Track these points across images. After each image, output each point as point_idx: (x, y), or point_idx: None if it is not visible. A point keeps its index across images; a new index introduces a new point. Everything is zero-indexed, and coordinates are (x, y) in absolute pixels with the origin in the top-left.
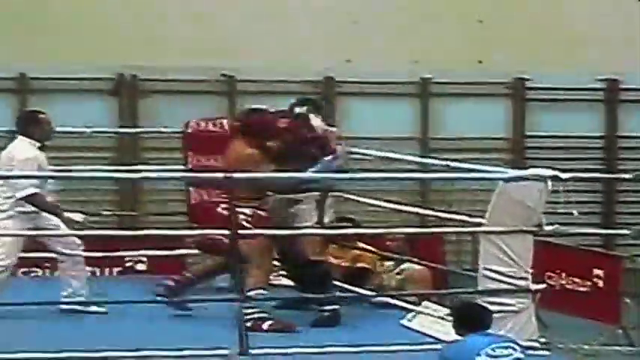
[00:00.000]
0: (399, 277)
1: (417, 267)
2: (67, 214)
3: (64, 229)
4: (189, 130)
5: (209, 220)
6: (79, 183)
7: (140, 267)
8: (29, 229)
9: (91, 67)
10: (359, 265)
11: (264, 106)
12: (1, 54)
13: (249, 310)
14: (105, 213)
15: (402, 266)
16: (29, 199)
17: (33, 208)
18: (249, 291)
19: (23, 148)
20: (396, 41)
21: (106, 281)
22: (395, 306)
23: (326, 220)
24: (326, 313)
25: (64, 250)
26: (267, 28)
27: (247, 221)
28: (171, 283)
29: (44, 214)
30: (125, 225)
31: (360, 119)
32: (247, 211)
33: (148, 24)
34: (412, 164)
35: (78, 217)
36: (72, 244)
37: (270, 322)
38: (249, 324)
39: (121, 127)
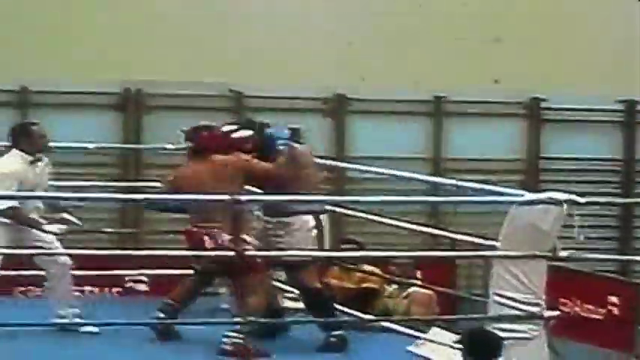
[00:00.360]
0: (404, 301)
1: (422, 290)
2: (45, 226)
3: (53, 245)
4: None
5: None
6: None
7: (141, 287)
8: (15, 239)
9: (96, 81)
10: (366, 285)
11: (212, 123)
12: (2, 66)
13: (231, 334)
14: (106, 231)
15: (409, 290)
16: (6, 212)
17: None
18: (247, 315)
19: (7, 161)
20: (410, 59)
21: (104, 301)
22: (401, 331)
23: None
24: (333, 339)
25: (50, 269)
26: (277, 44)
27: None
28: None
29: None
30: (126, 243)
31: (371, 138)
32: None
33: (155, 38)
34: (423, 184)
35: (55, 228)
36: (56, 262)
37: (248, 348)
38: (228, 348)
39: (124, 142)
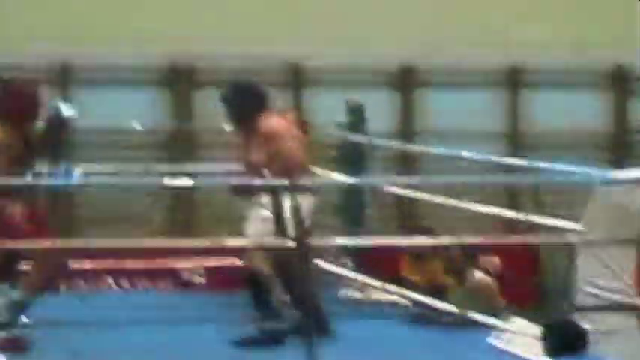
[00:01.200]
0: (463, 290)
1: (480, 277)
2: None
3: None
4: None
5: None
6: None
7: (198, 280)
8: None
9: (141, 55)
10: (436, 282)
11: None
12: (41, 41)
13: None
14: (156, 219)
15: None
16: None
17: None
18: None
19: None
20: (481, 23)
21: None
22: (478, 322)
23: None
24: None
25: None
26: (337, 13)
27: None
28: None
29: None
30: (179, 233)
31: (440, 111)
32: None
33: (203, 7)
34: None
35: None
36: None
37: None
38: None
39: (174, 121)
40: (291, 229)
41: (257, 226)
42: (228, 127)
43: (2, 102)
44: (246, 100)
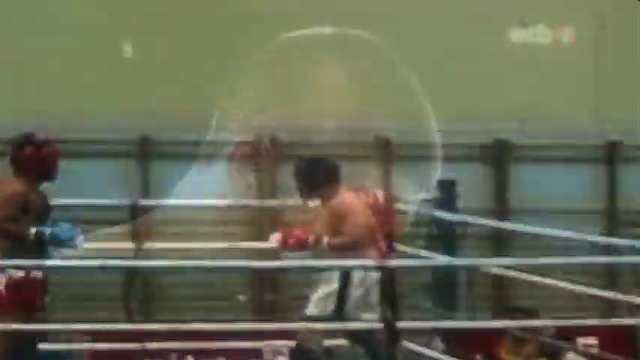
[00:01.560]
0: None
1: (576, 357)
2: None
3: None
4: None
5: None
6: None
7: None
8: None
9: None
10: None
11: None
12: (119, 113)
13: None
14: (240, 298)
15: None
16: None
17: None
18: None
19: None
20: (579, 97)
21: None
22: None
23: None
24: None
25: None
26: (428, 86)
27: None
28: None
29: None
30: (263, 311)
31: (536, 188)
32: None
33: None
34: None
35: None
36: None
37: None
38: None
39: (258, 196)
40: (349, 307)
41: (318, 303)
42: (311, 203)
43: (25, 157)
44: (316, 175)
